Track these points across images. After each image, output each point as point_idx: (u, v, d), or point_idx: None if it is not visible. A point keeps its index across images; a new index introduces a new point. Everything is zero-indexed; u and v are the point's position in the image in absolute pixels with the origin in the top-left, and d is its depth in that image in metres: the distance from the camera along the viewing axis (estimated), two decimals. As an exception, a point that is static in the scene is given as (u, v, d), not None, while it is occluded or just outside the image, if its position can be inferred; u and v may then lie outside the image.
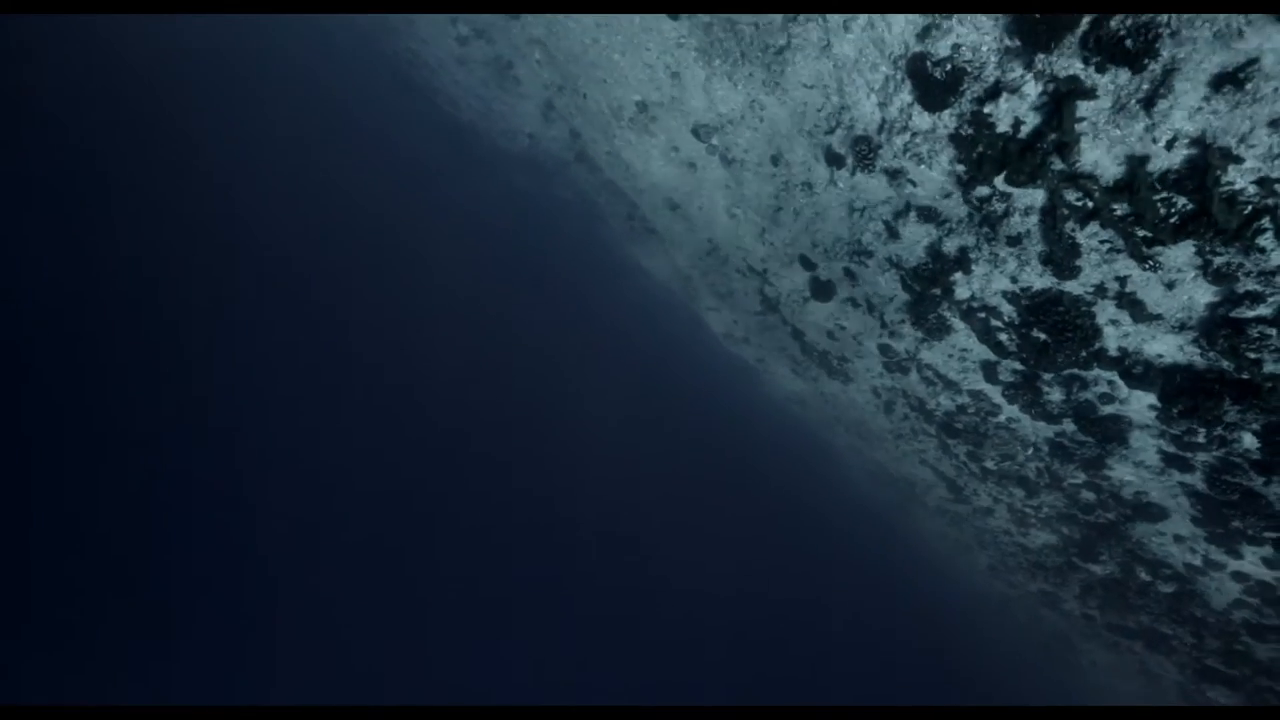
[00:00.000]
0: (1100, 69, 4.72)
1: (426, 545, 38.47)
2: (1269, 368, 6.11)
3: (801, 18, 6.87)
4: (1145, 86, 4.69)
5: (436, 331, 40.88)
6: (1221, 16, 4.05)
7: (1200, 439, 8.00)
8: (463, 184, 34.16)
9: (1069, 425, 10.32)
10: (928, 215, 8.02)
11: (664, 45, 9.51)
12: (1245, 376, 6.40)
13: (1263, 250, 5.09)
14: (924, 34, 5.84)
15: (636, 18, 9.39)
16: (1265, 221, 4.90)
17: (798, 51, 7.38)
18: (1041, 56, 5.01)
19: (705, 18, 8.13)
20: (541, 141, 22.87)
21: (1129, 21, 4.33)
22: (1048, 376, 9.10)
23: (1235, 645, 13.33)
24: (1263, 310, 5.70)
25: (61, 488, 32.41)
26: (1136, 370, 7.56)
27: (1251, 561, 10.32)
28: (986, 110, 5.90)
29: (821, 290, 12.58)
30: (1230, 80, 4.31)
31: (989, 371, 10.32)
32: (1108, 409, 9.02)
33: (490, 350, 45.41)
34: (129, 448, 30.37)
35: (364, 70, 28.32)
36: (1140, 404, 8.40)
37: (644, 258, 24.42)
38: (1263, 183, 4.74)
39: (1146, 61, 4.43)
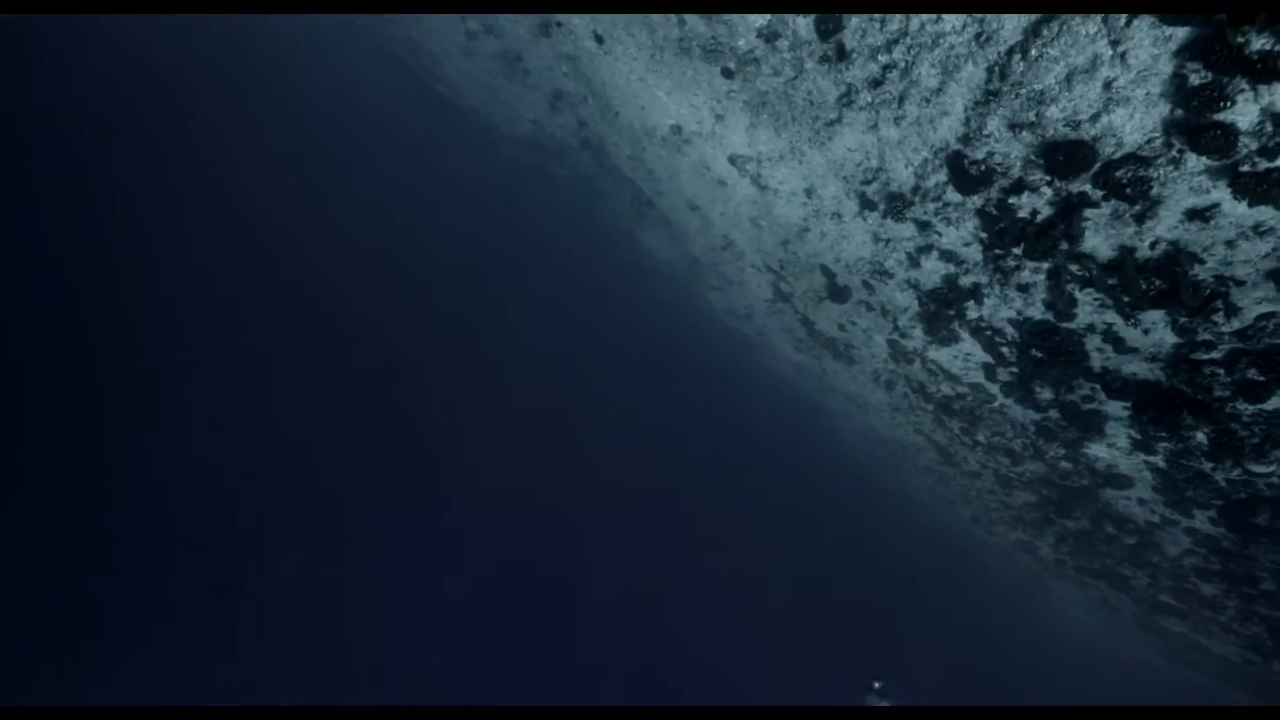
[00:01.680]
0: (1105, 199, 6.40)
1: (427, 520, 40.28)
2: (1217, 393, 8.05)
3: (857, 105, 8.33)
4: (1137, 209, 6.37)
5: (429, 302, 41.74)
6: (1197, 179, 5.73)
7: (1163, 434, 10.03)
8: (456, 157, 34.60)
9: (1054, 414, 12.32)
10: (948, 257, 9.71)
11: (714, 94, 10.84)
12: (1199, 398, 8.35)
13: (1215, 322, 6.91)
14: (964, 140, 7.40)
15: (689, 69, 10.68)
16: (1218, 303, 6.71)
17: (847, 127, 8.85)
18: (1059, 181, 6.66)
19: (763, 87, 9.50)
20: (546, 127, 23.72)
21: (1130, 174, 5.98)
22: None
23: (1185, 585, 15.93)
24: (1214, 355, 7.58)
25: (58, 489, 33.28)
26: (1115, 385, 9.49)
27: (1200, 521, 12.57)
28: (1010, 200, 7.54)
29: (838, 294, 14.28)
30: (1199, 215, 6.02)
31: (989, 371, 12.23)
32: (1089, 406, 11.01)
33: (479, 315, 46.37)
34: (139, 449, 31.33)
35: (356, 50, 28.43)
36: (1116, 404, 10.37)
37: (647, 239, 25.65)
38: (1218, 278, 6.52)
39: (1140, 202, 6.11)
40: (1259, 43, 4.39)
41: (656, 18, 9.77)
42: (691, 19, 9.11)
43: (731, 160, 12.45)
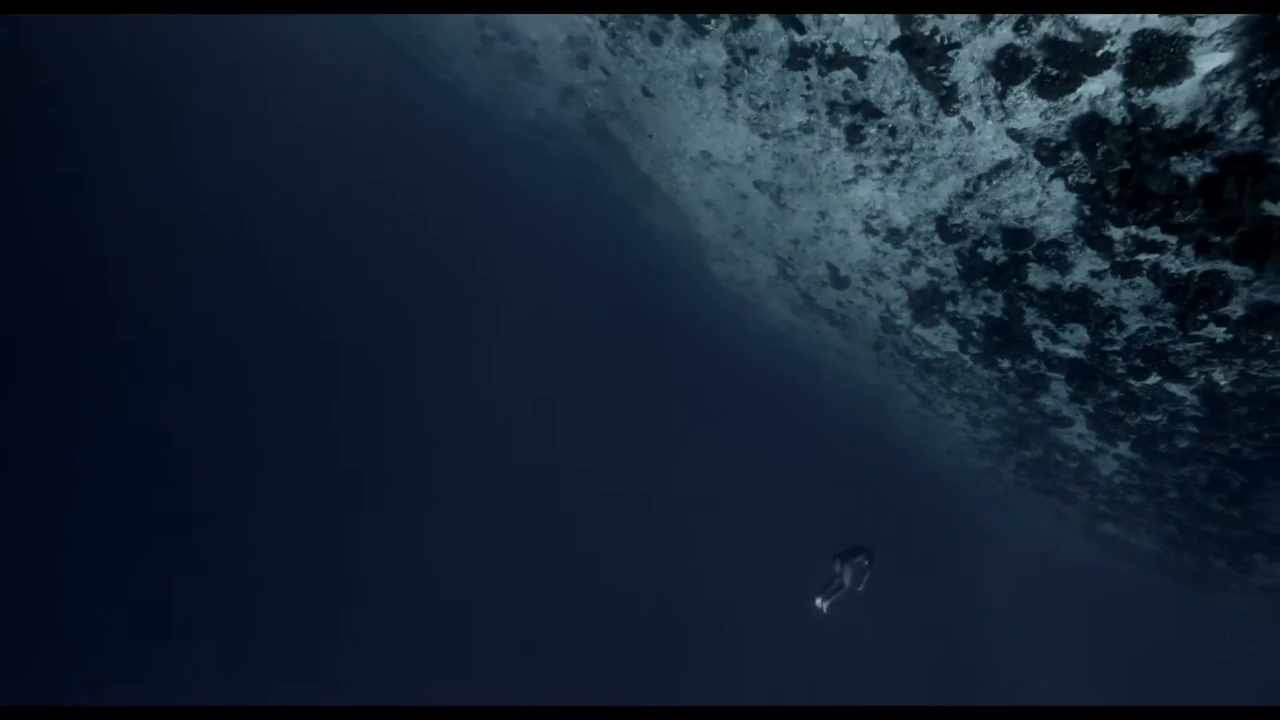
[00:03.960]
0: (1039, 262, 10.23)
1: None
2: (1118, 371, 12.17)
3: (870, 177, 11.89)
4: (1059, 268, 10.22)
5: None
6: (1094, 258, 9.55)
7: (1087, 394, 14.25)
8: (447, 129, 36.62)
9: (1012, 374, 16.48)
10: (933, 272, 13.52)
11: (749, 144, 14.21)
12: (1108, 373, 12.48)
13: (1112, 331, 10.91)
14: (947, 211, 11.09)
15: (730, 126, 13.98)
16: (1113, 321, 10.68)
17: (860, 186, 12.43)
18: (1011, 248, 10.45)
19: (793, 152, 12.94)
20: (552, 116, 26.30)
21: (1054, 252, 9.79)
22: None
23: (1115, 497, 20.75)
24: (1115, 348, 11.63)
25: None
26: (1053, 361, 13.59)
27: (1122, 449, 17.05)
28: (979, 249, 11.32)
29: (839, 283, 18.04)
30: (1097, 275, 9.90)
31: (962, 346, 16.26)
32: (1036, 371, 15.15)
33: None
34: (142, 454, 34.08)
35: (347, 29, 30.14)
36: (1055, 373, 14.51)
37: (649, 214, 28.72)
38: (1112, 307, 10.47)
39: (1061, 265, 9.95)
40: (1116, 209, 8.15)
41: (709, 93, 13.04)
42: (741, 103, 12.44)
43: (756, 184, 15.89)
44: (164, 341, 38.31)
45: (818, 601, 12.13)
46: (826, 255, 17.01)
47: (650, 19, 12.06)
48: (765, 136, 13.30)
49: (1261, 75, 5.86)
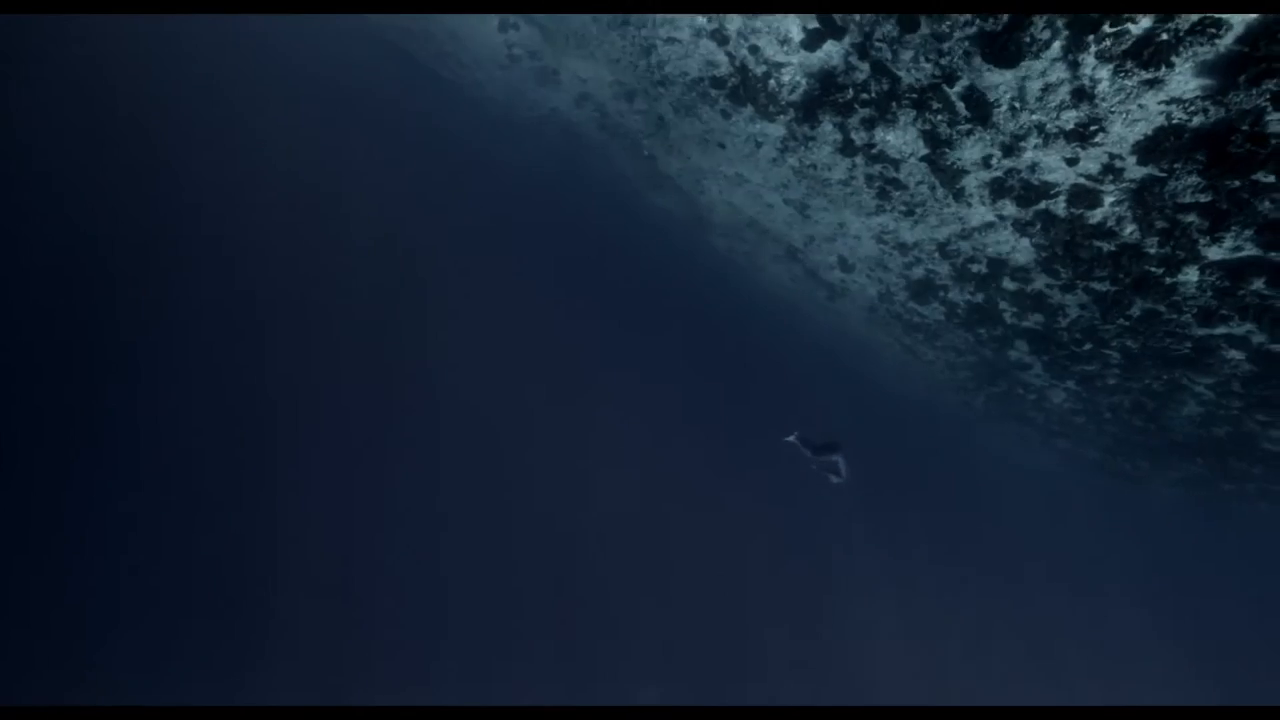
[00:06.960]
0: (1010, 280, 15.86)
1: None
2: (1065, 340, 18.12)
3: (888, 212, 17.22)
4: (1025, 280, 15.89)
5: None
6: (1047, 279, 15.21)
7: (1043, 352, 20.28)
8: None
9: (986, 336, 22.44)
10: (930, 272, 19.08)
11: (787, 179, 19.27)
12: (1058, 340, 18.42)
13: (1060, 317, 16.72)
14: (946, 242, 16.56)
15: (775, 168, 18.98)
16: (1061, 311, 16.46)
17: (879, 216, 17.75)
18: (993, 269, 16.04)
19: (825, 190, 18.10)
20: (564, 115, 30.34)
21: (1021, 274, 15.40)
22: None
23: (1065, 419, 27.39)
24: (1062, 325, 17.49)
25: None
26: (1018, 331, 19.47)
27: (1069, 385, 23.37)
28: (968, 265, 16.89)
29: (847, 268, 23.50)
30: (1050, 287, 15.59)
31: (948, 316, 22.05)
32: (1005, 335, 21.08)
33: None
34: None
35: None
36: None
37: (654, 197, 33.26)
38: (1059, 303, 16.22)
39: (1026, 280, 15.61)
40: (1060, 263, 13.72)
41: (762, 151, 17.97)
42: (792, 160, 17.46)
43: (785, 200, 20.99)
44: (165, 343, 41.47)
45: (791, 436, 14.87)
46: (839, 250, 22.38)
47: (723, 100, 16.87)
48: (803, 177, 18.37)
49: (1139, 211, 11.37)
